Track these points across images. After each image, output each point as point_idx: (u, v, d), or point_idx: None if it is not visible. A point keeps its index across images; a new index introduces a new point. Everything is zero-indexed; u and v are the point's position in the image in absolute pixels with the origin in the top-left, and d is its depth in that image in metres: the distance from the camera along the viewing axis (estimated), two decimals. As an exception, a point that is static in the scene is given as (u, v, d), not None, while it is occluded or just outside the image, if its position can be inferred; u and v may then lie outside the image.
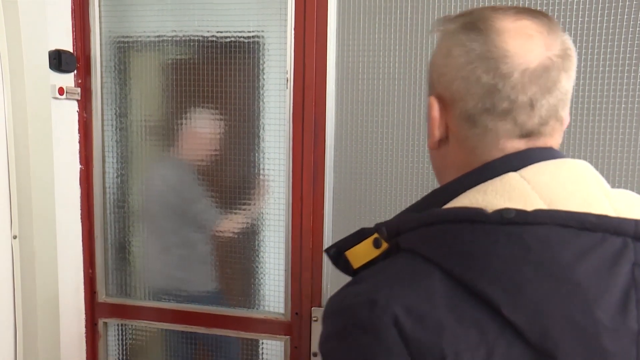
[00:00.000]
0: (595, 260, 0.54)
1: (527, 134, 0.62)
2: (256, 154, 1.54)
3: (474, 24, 0.63)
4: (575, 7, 1.29)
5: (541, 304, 0.53)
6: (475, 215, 0.57)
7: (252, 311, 1.58)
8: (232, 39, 1.52)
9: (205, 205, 1.59)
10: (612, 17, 1.28)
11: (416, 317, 0.55)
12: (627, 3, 1.26)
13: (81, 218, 1.64)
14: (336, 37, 1.43)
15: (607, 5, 1.28)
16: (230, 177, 1.56)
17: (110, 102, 1.63)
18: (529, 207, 0.56)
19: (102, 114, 1.62)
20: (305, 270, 1.50)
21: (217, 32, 1.53)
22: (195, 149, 1.58)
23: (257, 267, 1.58)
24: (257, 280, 1.59)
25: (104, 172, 1.64)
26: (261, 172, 1.54)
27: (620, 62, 1.28)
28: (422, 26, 1.38)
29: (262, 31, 1.51)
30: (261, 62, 1.52)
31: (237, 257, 1.59)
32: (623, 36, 1.28)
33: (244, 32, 1.52)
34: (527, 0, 1.33)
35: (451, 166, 0.67)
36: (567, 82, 0.63)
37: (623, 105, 1.29)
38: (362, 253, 0.67)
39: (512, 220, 0.55)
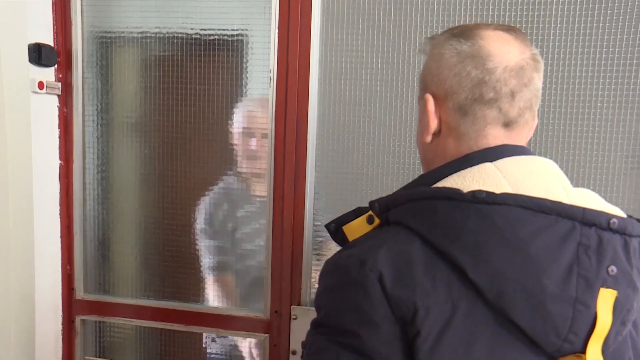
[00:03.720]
0: (548, 237, 0.64)
1: (508, 123, 0.74)
2: (238, 152, 1.54)
3: (462, 32, 0.77)
4: (548, 18, 1.32)
5: (500, 270, 0.64)
6: (453, 194, 0.67)
7: (231, 309, 1.58)
8: (216, 36, 1.52)
9: (187, 204, 1.58)
10: (582, 27, 1.31)
11: (396, 276, 0.65)
12: (597, 13, 1.29)
13: (60, 214, 1.62)
14: (320, 37, 1.44)
15: (577, 14, 1.31)
16: (211, 175, 1.56)
17: (92, 97, 1.61)
18: (498, 191, 0.67)
19: (83, 110, 1.60)
20: (285, 269, 1.51)
21: (201, 29, 1.53)
22: (176, 146, 1.57)
23: (236, 264, 1.58)
24: (237, 278, 1.59)
25: (84, 168, 1.63)
26: (242, 170, 1.55)
27: (590, 69, 1.31)
28: (404, 28, 1.39)
29: (246, 29, 1.51)
30: (245, 60, 1.52)
31: (216, 255, 1.59)
32: (593, 44, 1.31)
33: (227, 30, 1.52)
34: (503, 13, 1.35)
35: (441, 156, 0.78)
36: (538, 81, 0.76)
37: (593, 110, 1.32)
38: (357, 228, 0.78)
39: (482, 200, 0.66)
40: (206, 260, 1.59)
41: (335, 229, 0.81)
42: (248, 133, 1.53)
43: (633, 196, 1.32)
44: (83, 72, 1.59)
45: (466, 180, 0.70)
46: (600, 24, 1.30)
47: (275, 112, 1.47)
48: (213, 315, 1.57)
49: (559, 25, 1.32)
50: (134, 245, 1.63)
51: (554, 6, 1.32)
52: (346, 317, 0.68)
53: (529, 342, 0.66)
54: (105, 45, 1.59)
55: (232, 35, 1.52)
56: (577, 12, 1.31)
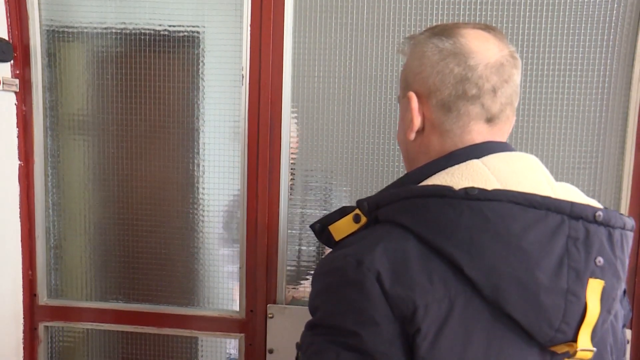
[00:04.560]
0: (539, 231, 0.66)
1: (490, 118, 0.76)
2: (210, 151, 1.52)
3: (442, 31, 0.78)
4: (520, 19, 1.37)
5: (495, 265, 0.65)
6: (445, 191, 0.68)
7: (205, 309, 1.56)
8: (186, 33, 1.49)
9: (153, 204, 1.55)
10: (549, 27, 1.37)
11: (394, 274, 0.66)
12: (562, 15, 1.36)
13: (20, 217, 1.54)
14: (292, 34, 1.43)
15: (544, 15, 1.37)
16: (182, 174, 1.53)
17: (53, 95, 1.54)
18: (489, 187, 0.68)
19: (44, 108, 1.53)
20: (261, 267, 1.50)
21: (170, 25, 1.49)
22: (142, 146, 1.53)
23: (211, 264, 1.56)
24: (211, 277, 1.57)
25: (45, 169, 1.56)
26: (215, 169, 1.52)
27: (562, 67, 1.38)
28: (377, 26, 1.41)
29: (217, 26, 1.49)
30: (212, 57, 1.50)
31: (190, 254, 1.56)
32: (559, 44, 1.37)
33: (198, 26, 1.49)
34: (474, 12, 1.39)
35: (425, 154, 0.79)
36: (518, 78, 0.79)
37: (567, 107, 1.39)
38: (343, 227, 0.78)
39: (475, 196, 0.67)
40: (178, 260, 1.56)
41: (321, 229, 0.81)
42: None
43: (591, 189, 1.40)
44: (42, 69, 1.52)
45: (455, 178, 0.71)
46: (566, 26, 1.36)
47: (249, 109, 1.46)
48: (186, 316, 1.54)
49: (520, 26, 1.37)
50: (99, 247, 1.58)
51: (509, 8, 1.37)
52: (345, 317, 0.68)
53: (523, 334, 0.68)
54: (65, 41, 1.53)
55: (202, 32, 1.49)
56: (540, 15, 1.37)
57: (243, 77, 1.45)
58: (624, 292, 0.83)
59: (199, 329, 1.54)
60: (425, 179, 0.74)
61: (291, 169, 1.48)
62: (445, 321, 0.66)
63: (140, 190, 1.56)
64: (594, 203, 0.75)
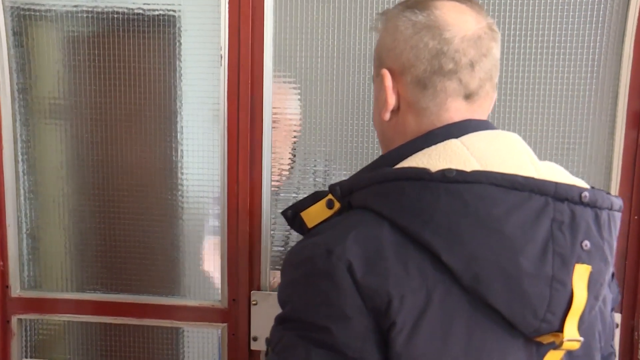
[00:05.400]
0: (522, 215, 0.62)
1: (469, 95, 0.72)
2: (189, 135, 1.46)
3: (416, 3, 0.74)
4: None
5: (475, 252, 0.61)
6: (421, 174, 0.64)
7: (185, 299, 1.51)
8: (161, 12, 1.42)
9: (131, 190, 1.49)
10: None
11: (367, 264, 0.62)
12: (554, -12, 1.32)
13: (-11, 205, 1.48)
14: (273, 12, 1.38)
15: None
16: (160, 159, 1.47)
17: (20, 77, 1.47)
18: (468, 169, 0.64)
19: (12, 91, 1.46)
20: (243, 255, 1.45)
21: (144, 3, 1.42)
22: (118, 130, 1.47)
23: (190, 252, 1.51)
24: (192, 266, 1.52)
25: (15, 155, 1.49)
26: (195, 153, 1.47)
27: (550, 44, 1.34)
28: (360, 5, 1.36)
29: (193, 4, 1.43)
30: (189, 37, 1.44)
31: (168, 242, 1.51)
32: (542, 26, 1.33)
33: (172, 4, 1.42)
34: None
35: (401, 134, 0.75)
36: (497, 52, 0.74)
37: (556, 86, 1.36)
38: (315, 213, 0.74)
39: (452, 179, 0.63)
40: (158, 248, 1.51)
41: (293, 215, 0.77)
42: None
43: (581, 170, 1.37)
44: (8, 50, 1.45)
45: (432, 159, 0.67)
46: (554, 1, 1.32)
47: (228, 92, 1.40)
48: (166, 306, 1.49)
49: (508, 1, 1.33)
50: (73, 236, 1.52)
51: (507, -17, 1.33)
52: (315, 311, 0.64)
53: (506, 325, 0.64)
54: (33, 19, 1.45)
55: (177, 12, 1.43)
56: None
57: (222, 57, 1.39)
58: (612, 275, 0.80)
59: (180, 319, 1.49)
60: (401, 161, 0.70)
61: (274, 153, 1.43)
62: (423, 313, 0.62)
63: (117, 176, 1.50)
64: (580, 183, 0.71)
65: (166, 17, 1.43)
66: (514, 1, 1.32)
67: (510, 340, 0.65)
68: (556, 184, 0.64)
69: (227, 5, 1.37)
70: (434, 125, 0.72)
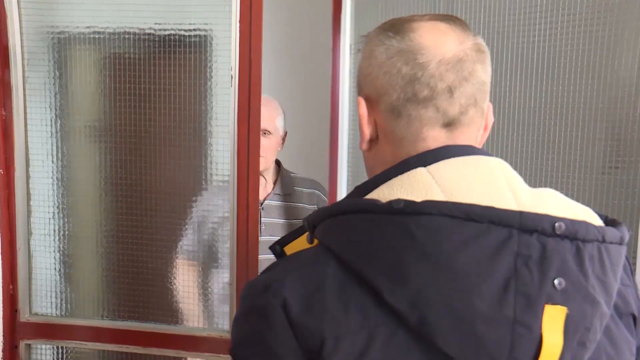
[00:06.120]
0: (477, 249, 0.56)
1: (449, 123, 0.66)
2: (201, 159, 1.42)
3: (392, 25, 0.69)
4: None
5: (422, 291, 0.56)
6: (369, 206, 0.60)
7: (194, 329, 1.45)
8: (172, 31, 1.39)
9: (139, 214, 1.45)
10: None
11: (304, 302, 0.59)
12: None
13: (0, 229, 1.46)
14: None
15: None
16: (170, 185, 1.43)
17: (35, 98, 1.46)
18: (430, 199, 0.59)
19: (25, 112, 1.45)
20: (252, 284, 1.38)
21: (155, 23, 1.39)
22: (131, 153, 1.44)
23: (200, 280, 1.46)
24: (200, 295, 1.46)
25: (27, 177, 1.47)
26: (206, 178, 1.42)
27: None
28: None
29: (206, 24, 1.39)
30: (206, 58, 1.40)
31: (181, 276, 1.46)
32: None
33: (184, 24, 1.39)
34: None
35: (381, 164, 0.70)
36: (484, 74, 0.68)
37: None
38: (297, 248, 0.69)
39: (400, 210, 0.57)
40: (168, 277, 1.46)
41: (281, 251, 0.73)
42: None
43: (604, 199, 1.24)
44: (24, 71, 1.44)
45: (394, 190, 0.62)
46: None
47: (238, 112, 1.35)
48: (174, 335, 1.44)
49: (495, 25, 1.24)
50: (84, 260, 1.49)
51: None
52: (248, 348, 0.62)
53: None
54: (52, 42, 1.45)
55: (190, 30, 1.39)
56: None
57: (232, 77, 1.34)
58: (634, 318, 0.68)
59: (186, 349, 1.43)
60: (371, 191, 0.65)
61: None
62: (362, 357, 0.57)
63: (127, 200, 1.46)
64: (582, 211, 0.62)
65: (177, 38, 1.40)
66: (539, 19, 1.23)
67: None
68: (521, 213, 0.57)
69: (237, 24, 1.32)
70: (409, 154, 0.67)
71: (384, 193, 0.62)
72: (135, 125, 1.43)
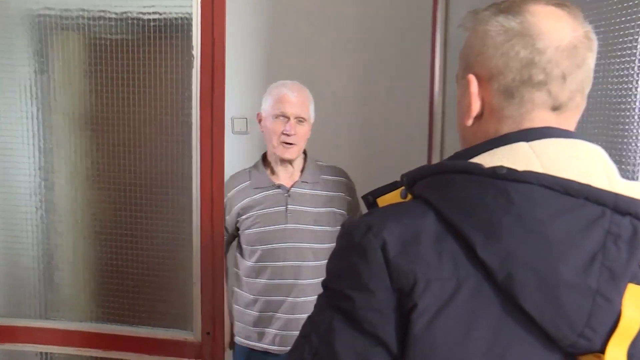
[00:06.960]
0: (570, 221, 0.61)
1: (557, 107, 0.69)
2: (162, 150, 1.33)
3: (509, 8, 0.71)
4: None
5: (512, 251, 0.60)
6: (473, 168, 0.65)
7: (157, 331, 1.35)
8: (132, 14, 1.31)
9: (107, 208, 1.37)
10: None
11: (401, 246, 0.63)
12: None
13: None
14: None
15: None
16: (127, 175, 1.35)
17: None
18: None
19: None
20: (219, 281, 1.29)
21: (115, 6, 1.31)
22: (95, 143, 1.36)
23: (163, 281, 1.36)
24: (163, 295, 1.37)
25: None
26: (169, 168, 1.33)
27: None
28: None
29: (166, 6, 1.30)
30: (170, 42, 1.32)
31: (142, 270, 1.37)
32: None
33: (146, 6, 1.30)
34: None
35: (481, 140, 0.72)
36: (592, 62, 0.71)
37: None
38: (390, 201, 0.74)
39: (502, 176, 0.62)
40: (129, 273, 1.37)
41: (372, 200, 0.77)
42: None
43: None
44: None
45: (495, 158, 0.66)
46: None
47: (200, 97, 1.26)
48: (136, 338, 1.35)
49: None
50: (41, 259, 1.41)
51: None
52: (343, 280, 0.67)
53: (541, 337, 0.61)
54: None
55: (150, 13, 1.31)
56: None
57: (194, 57, 1.25)
58: None
59: (149, 353, 1.34)
60: (472, 158, 0.69)
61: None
62: (448, 302, 0.62)
63: (94, 193, 1.39)
64: None
65: (140, 22, 1.32)
66: None
67: (542, 351, 0.62)
68: (616, 195, 0.61)
69: (199, 6, 1.23)
70: (512, 130, 0.71)
71: (486, 160, 0.66)
72: (96, 111, 1.35)
